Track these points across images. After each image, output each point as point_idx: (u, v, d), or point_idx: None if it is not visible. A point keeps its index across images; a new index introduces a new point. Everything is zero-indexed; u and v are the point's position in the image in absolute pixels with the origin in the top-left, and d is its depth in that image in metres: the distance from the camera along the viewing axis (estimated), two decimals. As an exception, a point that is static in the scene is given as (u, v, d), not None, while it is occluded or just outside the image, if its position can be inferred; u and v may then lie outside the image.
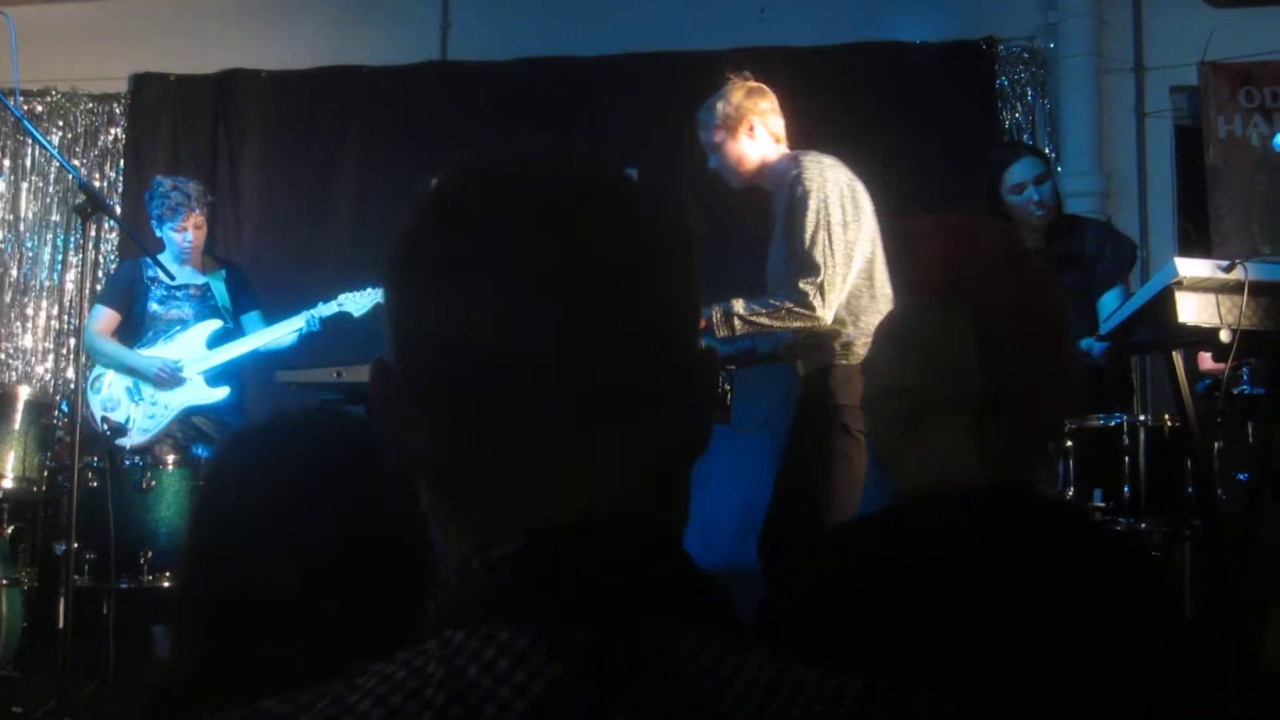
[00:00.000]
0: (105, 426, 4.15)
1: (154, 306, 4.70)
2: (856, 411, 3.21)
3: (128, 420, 4.49)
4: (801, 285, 3.33)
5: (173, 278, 4.55)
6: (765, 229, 5.07)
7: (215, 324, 4.75)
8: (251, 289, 4.92)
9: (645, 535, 0.75)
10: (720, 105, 3.61)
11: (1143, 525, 3.36)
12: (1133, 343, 3.37)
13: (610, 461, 0.75)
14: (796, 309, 3.33)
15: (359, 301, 4.68)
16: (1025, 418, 1.50)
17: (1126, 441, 3.40)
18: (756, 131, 3.60)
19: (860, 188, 3.52)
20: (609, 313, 0.74)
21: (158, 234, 4.76)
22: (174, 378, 4.55)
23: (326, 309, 4.63)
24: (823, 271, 3.32)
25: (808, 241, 3.35)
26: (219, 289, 4.82)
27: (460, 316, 0.74)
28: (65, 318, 6.04)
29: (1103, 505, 3.39)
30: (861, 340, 3.35)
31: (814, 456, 3.33)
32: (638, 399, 0.76)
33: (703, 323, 3.35)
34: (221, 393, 4.65)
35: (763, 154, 3.61)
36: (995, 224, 1.61)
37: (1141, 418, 3.47)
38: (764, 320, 3.36)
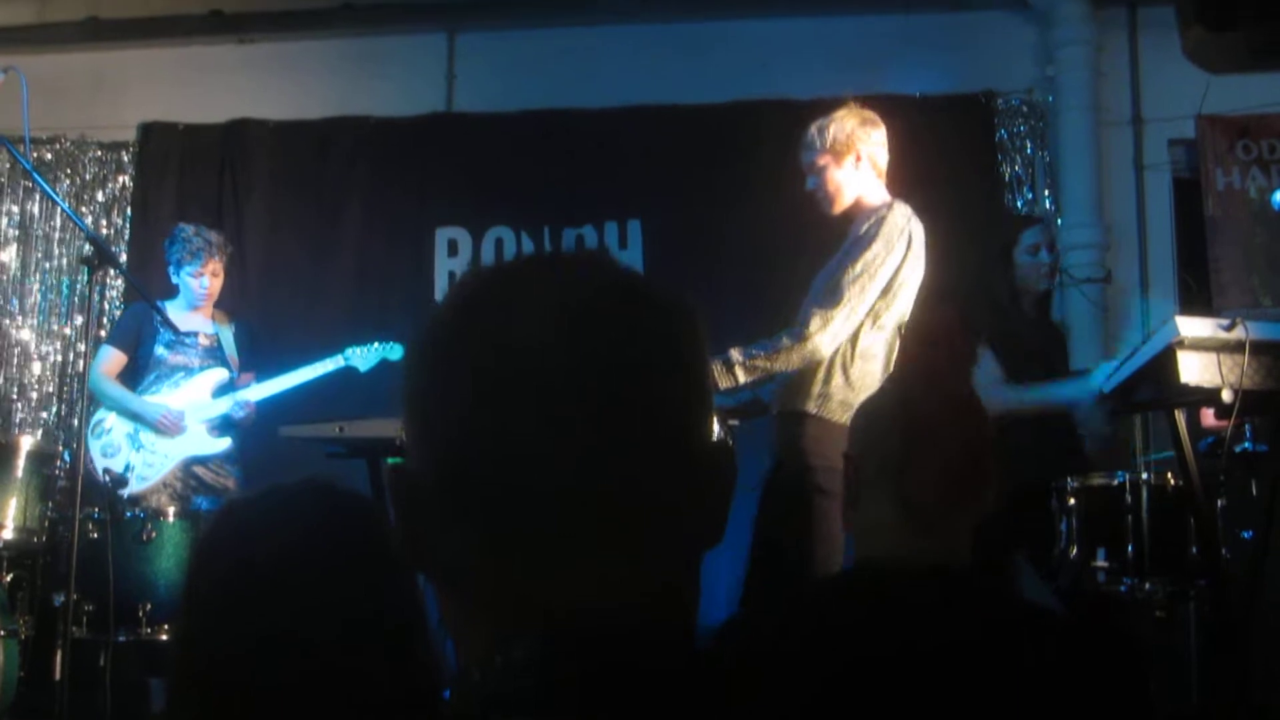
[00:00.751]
0: (106, 478, 4.13)
1: (160, 350, 4.70)
2: (830, 472, 3.14)
3: (127, 467, 4.46)
4: (811, 317, 3.29)
5: (177, 331, 4.58)
6: (762, 278, 5.12)
7: (222, 373, 4.76)
8: (257, 350, 4.94)
9: (660, 632, 0.78)
10: (833, 129, 3.50)
11: (1147, 585, 3.35)
12: (1135, 401, 3.37)
13: (629, 560, 0.78)
14: (794, 347, 3.29)
15: (366, 358, 4.71)
16: (939, 472, 1.59)
17: (1129, 500, 3.39)
18: (863, 164, 3.52)
19: (920, 262, 3.46)
20: (632, 417, 0.77)
21: (174, 279, 4.77)
22: (176, 425, 4.55)
23: (332, 363, 4.65)
24: (841, 308, 3.28)
25: (850, 276, 3.31)
26: (227, 341, 4.83)
27: (491, 425, 0.76)
28: (69, 368, 6.07)
29: (1105, 565, 3.37)
30: (838, 398, 3.32)
31: (791, 521, 3.26)
32: (657, 498, 0.78)
33: None
34: (224, 443, 4.66)
35: (862, 189, 3.53)
36: (942, 310, 1.70)
37: (1144, 476, 3.46)
38: (763, 363, 3.30)
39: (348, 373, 4.67)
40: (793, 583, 3.19)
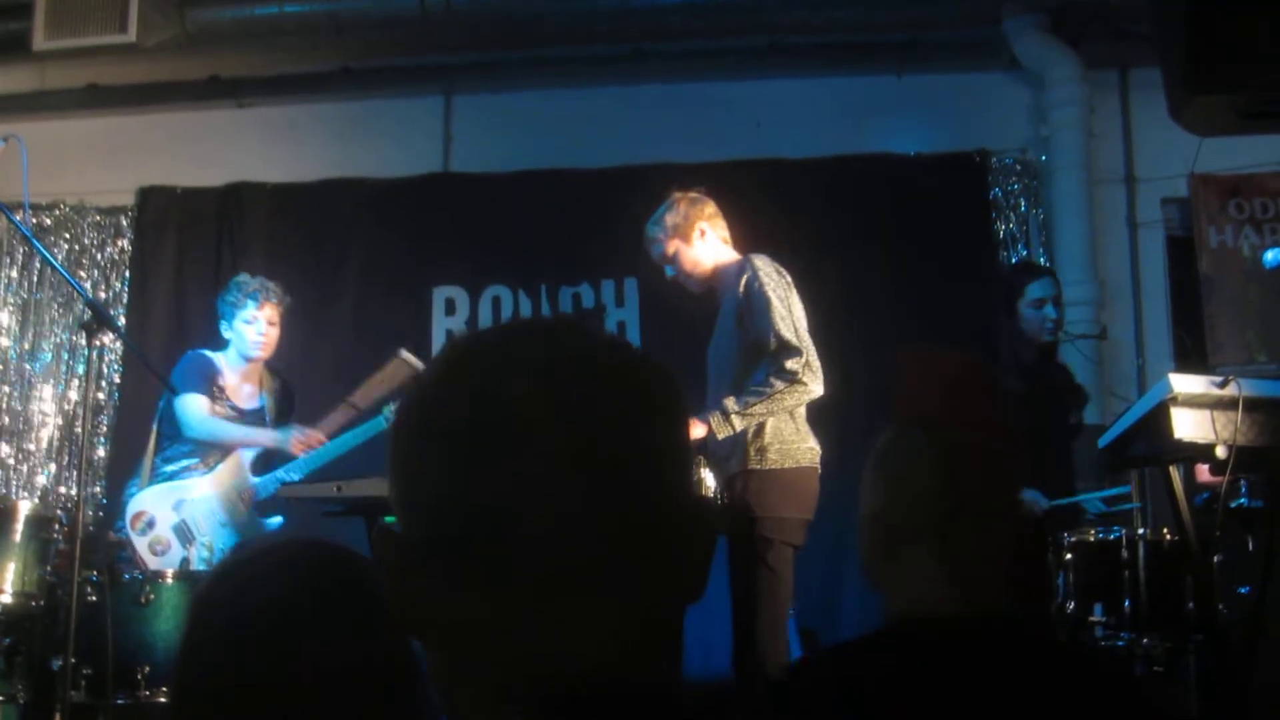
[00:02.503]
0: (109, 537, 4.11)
1: None
2: (776, 521, 3.46)
3: (183, 564, 4.23)
4: (789, 365, 3.48)
5: (236, 407, 4.45)
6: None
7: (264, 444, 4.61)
8: (292, 405, 4.80)
9: (643, 688, 0.79)
10: (669, 217, 3.83)
11: (1144, 640, 3.34)
12: (1130, 456, 3.38)
13: (614, 617, 0.79)
14: (790, 388, 3.48)
15: None
16: (985, 536, 1.57)
17: (1126, 555, 3.40)
18: (707, 235, 3.81)
19: (799, 302, 3.66)
20: (615, 477, 0.79)
21: (225, 332, 4.60)
22: (315, 441, 4.40)
23: (374, 426, 4.50)
24: (804, 350, 3.50)
25: (778, 326, 3.51)
26: (269, 406, 4.70)
27: (473, 487, 0.78)
28: (67, 432, 6.09)
29: (1103, 620, 3.37)
30: (775, 447, 3.53)
31: (743, 570, 3.46)
32: (640, 555, 0.80)
33: (705, 429, 3.43)
34: (274, 521, 4.52)
35: (715, 255, 3.82)
36: (957, 356, 1.68)
37: (1140, 531, 3.47)
38: (759, 408, 3.49)
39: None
40: (752, 628, 3.37)
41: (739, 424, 3.49)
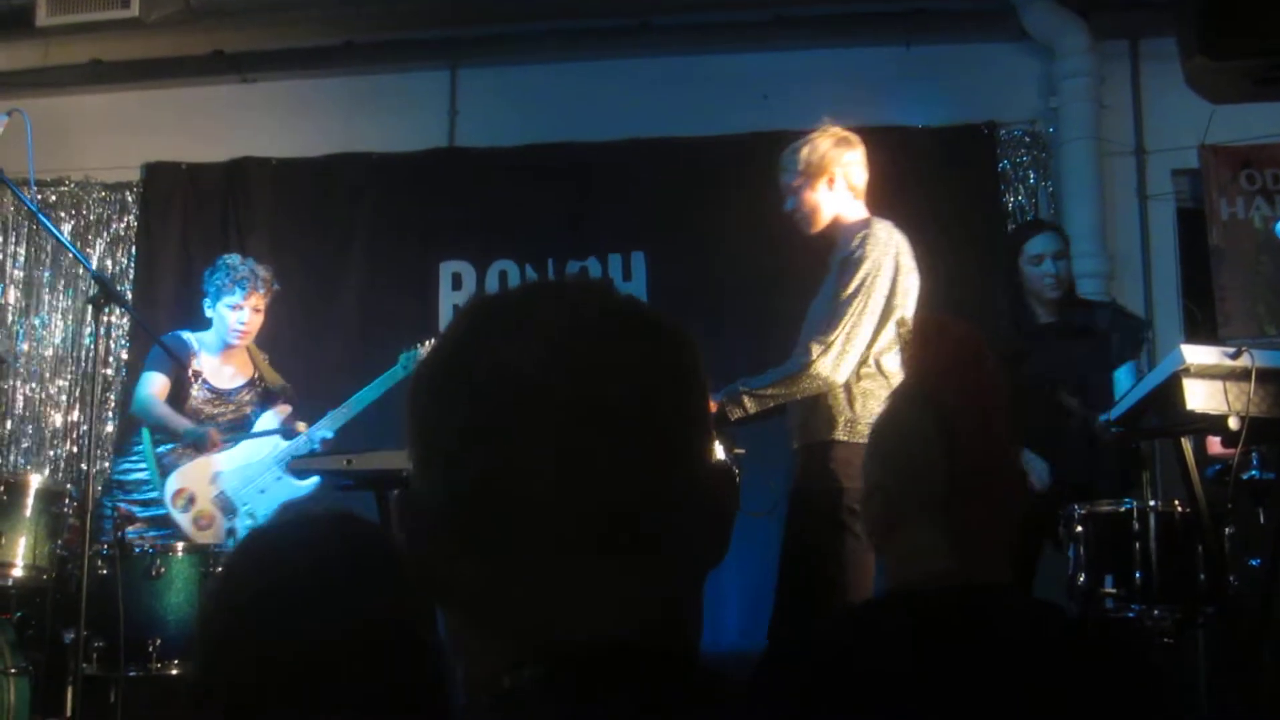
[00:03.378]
0: (115, 514, 4.11)
1: (196, 398, 4.49)
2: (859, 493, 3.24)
3: (229, 538, 4.26)
4: (811, 344, 3.33)
5: (212, 387, 4.43)
6: (766, 310, 5.14)
7: (285, 409, 4.63)
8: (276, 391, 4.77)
9: (664, 653, 0.79)
10: (806, 151, 3.57)
11: (1155, 612, 3.34)
12: (1141, 428, 3.37)
13: (634, 582, 0.79)
14: (798, 376, 3.33)
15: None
16: (987, 510, 1.56)
17: (1137, 527, 3.39)
18: (836, 184, 3.57)
19: (914, 279, 3.50)
20: (634, 441, 0.78)
21: (208, 311, 4.58)
22: (218, 444, 4.36)
23: (392, 376, 4.59)
24: (838, 330, 3.32)
25: (845, 295, 3.35)
26: (271, 373, 4.71)
27: (493, 451, 0.78)
28: (75, 406, 6.10)
29: (1114, 591, 3.37)
30: (864, 422, 3.33)
31: (822, 543, 3.29)
32: (660, 520, 0.79)
33: (714, 406, 3.36)
34: (311, 482, 4.52)
35: (838, 209, 3.58)
36: (957, 324, 1.66)
37: (1152, 503, 3.46)
38: (771, 391, 3.35)
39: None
40: (826, 603, 3.21)
41: (751, 406, 3.34)
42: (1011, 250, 4.31)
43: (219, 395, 4.52)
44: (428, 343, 4.72)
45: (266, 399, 4.67)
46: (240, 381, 4.62)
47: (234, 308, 4.51)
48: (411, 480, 0.84)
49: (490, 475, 0.78)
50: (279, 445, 4.54)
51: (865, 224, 3.50)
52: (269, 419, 4.60)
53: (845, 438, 3.34)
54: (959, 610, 1.49)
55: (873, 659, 1.43)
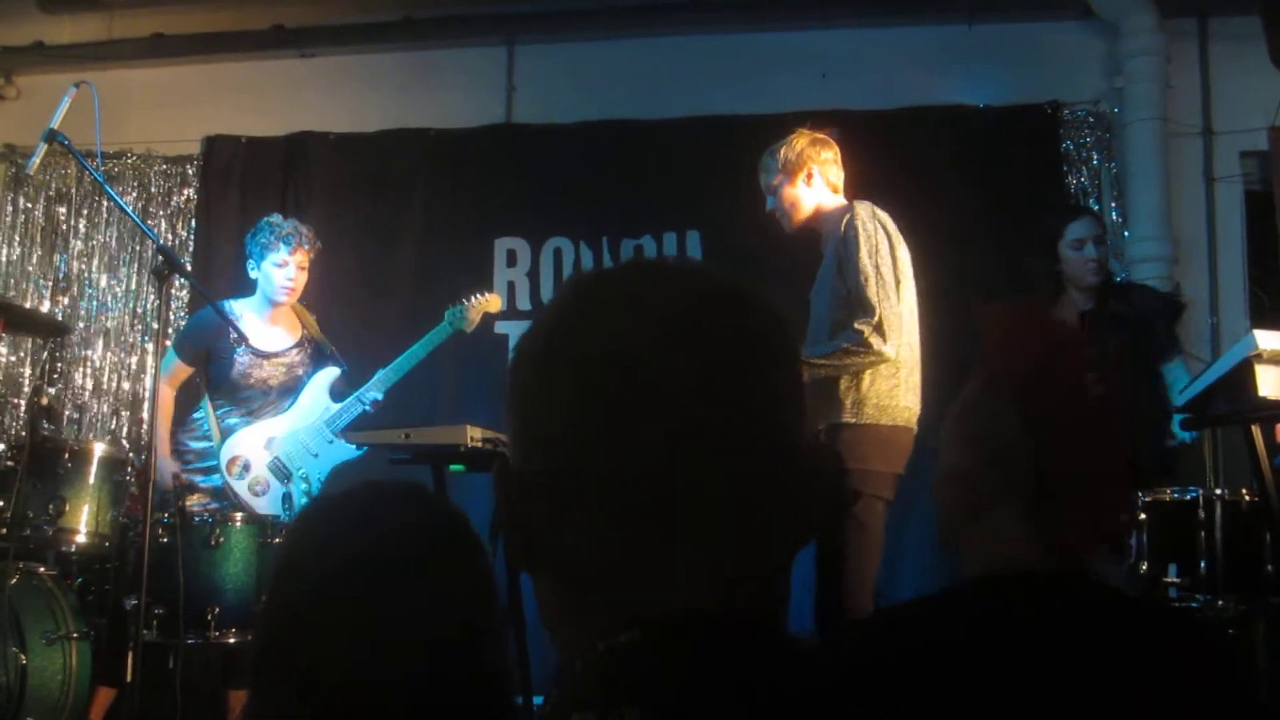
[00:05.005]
0: (175, 483, 4.14)
1: (240, 365, 4.44)
2: (866, 474, 3.41)
3: (284, 503, 4.25)
4: (857, 325, 3.44)
5: (255, 350, 4.39)
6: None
7: (333, 372, 4.62)
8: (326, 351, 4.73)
9: (754, 625, 0.80)
10: (783, 151, 3.79)
11: (1219, 602, 3.28)
12: (1210, 415, 3.32)
13: (731, 556, 0.80)
14: (854, 349, 3.44)
15: (467, 317, 4.69)
16: (1078, 504, 1.52)
17: (1202, 516, 3.34)
18: (814, 179, 3.77)
19: (905, 250, 3.63)
20: (737, 419, 0.79)
21: (253, 272, 4.53)
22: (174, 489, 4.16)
23: (440, 332, 4.61)
24: (877, 310, 3.44)
25: (860, 281, 3.47)
26: (317, 332, 4.69)
27: (600, 426, 0.79)
28: (140, 377, 6.19)
29: (1178, 581, 3.32)
30: (871, 403, 3.47)
31: (830, 523, 3.38)
32: (760, 497, 0.80)
33: None
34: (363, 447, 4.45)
35: (818, 201, 3.78)
36: (1045, 312, 1.63)
37: (1218, 491, 3.40)
38: (822, 363, 3.47)
39: (417, 374, 4.59)
40: (834, 582, 3.36)
41: (804, 375, 3.42)
42: (1051, 236, 4.27)
43: (265, 357, 4.49)
44: (475, 297, 4.77)
45: (319, 358, 4.65)
46: (289, 342, 4.59)
47: (280, 265, 4.47)
48: (512, 451, 0.86)
49: (591, 449, 0.79)
50: (330, 408, 4.55)
51: (846, 208, 3.67)
52: (321, 380, 4.61)
53: (852, 420, 3.47)
54: (1042, 599, 1.47)
55: (954, 644, 1.42)
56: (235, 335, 4.29)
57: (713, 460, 0.78)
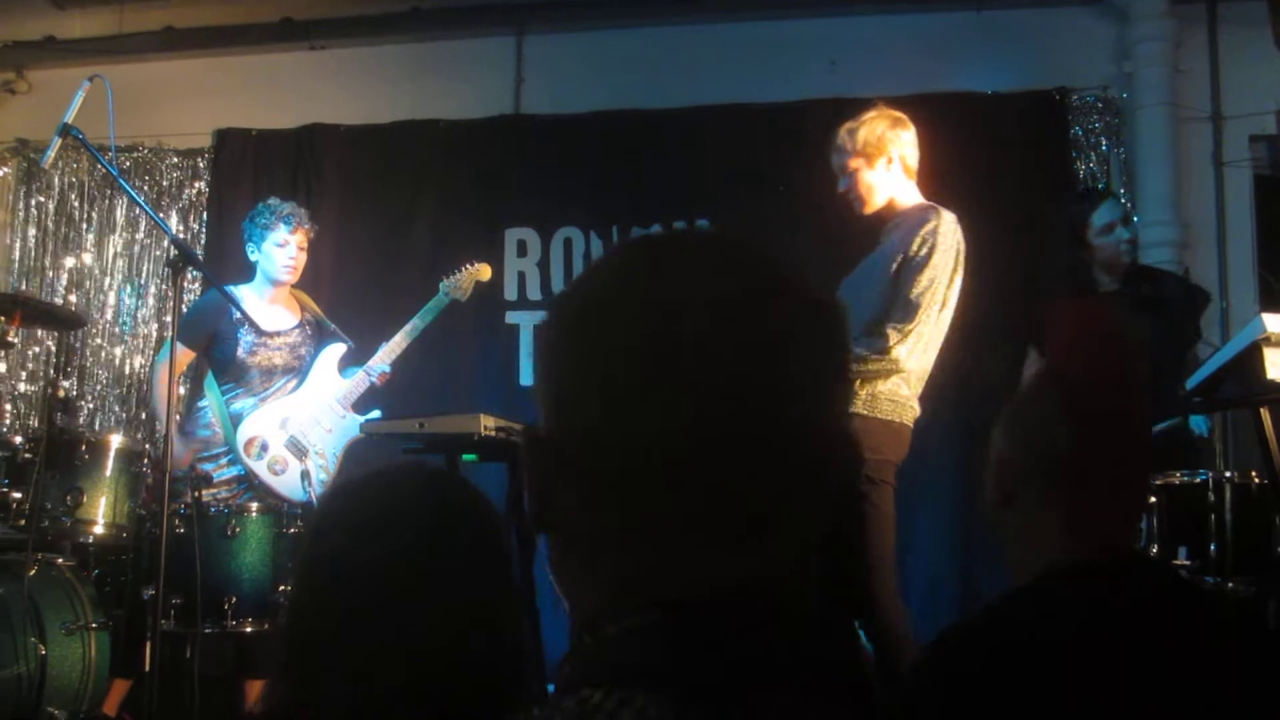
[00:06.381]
0: (192, 473, 4.17)
1: (245, 347, 4.46)
2: (878, 463, 3.36)
3: (303, 480, 4.33)
4: (888, 329, 3.37)
5: (261, 331, 4.42)
6: (830, 277, 5.09)
7: (340, 348, 4.66)
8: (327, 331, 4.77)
9: (774, 612, 0.78)
10: (863, 131, 3.58)
11: (1229, 584, 3.30)
12: (1219, 398, 3.32)
13: (752, 540, 0.79)
14: (873, 357, 3.37)
15: (461, 287, 4.73)
16: (1112, 491, 1.53)
17: (1212, 498, 3.35)
18: (894, 166, 3.59)
19: (962, 270, 3.52)
20: (766, 404, 0.78)
21: (253, 255, 4.57)
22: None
23: (437, 304, 4.65)
24: (917, 320, 3.37)
25: (918, 291, 3.38)
26: (316, 312, 4.73)
27: (633, 403, 0.78)
28: (149, 369, 6.22)
29: (1188, 563, 3.33)
30: (885, 398, 3.42)
31: (846, 509, 3.34)
32: (788, 483, 0.79)
33: None
34: (371, 415, 4.53)
35: (894, 190, 3.61)
36: (1089, 304, 1.64)
37: (1228, 474, 3.41)
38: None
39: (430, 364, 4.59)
40: (850, 574, 3.29)
41: None
42: (1077, 224, 4.25)
43: (269, 336, 4.51)
44: (466, 267, 4.81)
45: (321, 336, 4.68)
46: (291, 322, 4.62)
47: (281, 245, 4.51)
48: (543, 418, 0.84)
49: (624, 431, 0.78)
50: (340, 384, 4.60)
51: (932, 213, 3.49)
52: (329, 357, 4.64)
53: (866, 411, 3.41)
54: (1101, 594, 1.47)
55: (1035, 642, 1.42)
56: (239, 315, 4.33)
57: (733, 446, 0.77)
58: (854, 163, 3.59)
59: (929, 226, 3.42)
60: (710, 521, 0.78)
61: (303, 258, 4.58)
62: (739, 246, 0.84)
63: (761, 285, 0.81)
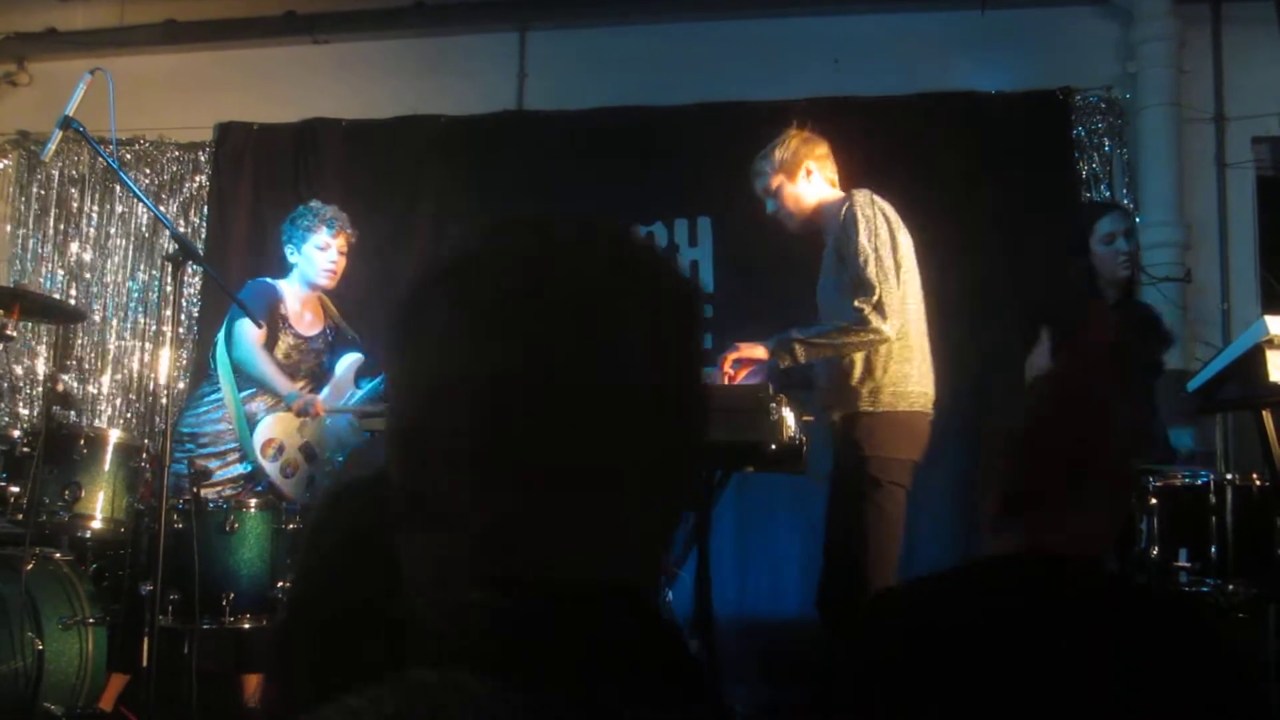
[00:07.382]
0: (190, 469, 4.16)
1: (282, 346, 4.46)
2: (885, 461, 3.43)
3: (313, 481, 4.34)
4: (856, 304, 3.46)
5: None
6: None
7: (357, 358, 4.66)
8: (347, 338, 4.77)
9: (609, 594, 0.78)
10: (778, 152, 3.80)
11: (1229, 587, 3.29)
12: (1220, 400, 3.32)
13: (595, 516, 0.79)
14: (853, 328, 3.45)
15: None
16: (1099, 512, 1.54)
17: (1213, 500, 3.34)
18: (814, 175, 3.79)
19: (906, 237, 3.63)
20: (594, 377, 0.78)
21: (292, 256, 4.53)
22: (311, 409, 4.37)
23: None
24: (877, 290, 3.46)
25: (860, 263, 3.49)
26: (329, 333, 4.69)
27: (459, 375, 0.78)
28: (151, 363, 6.22)
29: (1188, 565, 3.33)
30: (888, 390, 3.49)
31: (848, 509, 3.45)
32: (617, 460, 0.79)
33: (765, 354, 3.50)
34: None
35: (819, 196, 3.79)
36: (1094, 308, 1.65)
37: (1229, 476, 3.40)
38: (823, 341, 3.50)
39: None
40: (856, 571, 3.36)
41: (801, 354, 3.49)
42: (1082, 232, 4.26)
43: (305, 340, 4.51)
44: None
45: (340, 344, 4.68)
46: (319, 328, 4.61)
47: (323, 248, 4.49)
48: (393, 389, 0.84)
49: (454, 397, 0.78)
50: (355, 392, 4.60)
51: (846, 196, 3.68)
52: (347, 366, 4.64)
53: (870, 408, 3.49)
54: (1029, 581, 1.49)
55: (934, 630, 1.43)
56: (281, 316, 4.37)
57: (568, 421, 0.77)
58: (776, 180, 3.81)
59: (844, 210, 3.60)
60: (538, 497, 0.77)
61: (343, 262, 4.57)
62: (564, 222, 0.84)
63: (588, 256, 0.82)
